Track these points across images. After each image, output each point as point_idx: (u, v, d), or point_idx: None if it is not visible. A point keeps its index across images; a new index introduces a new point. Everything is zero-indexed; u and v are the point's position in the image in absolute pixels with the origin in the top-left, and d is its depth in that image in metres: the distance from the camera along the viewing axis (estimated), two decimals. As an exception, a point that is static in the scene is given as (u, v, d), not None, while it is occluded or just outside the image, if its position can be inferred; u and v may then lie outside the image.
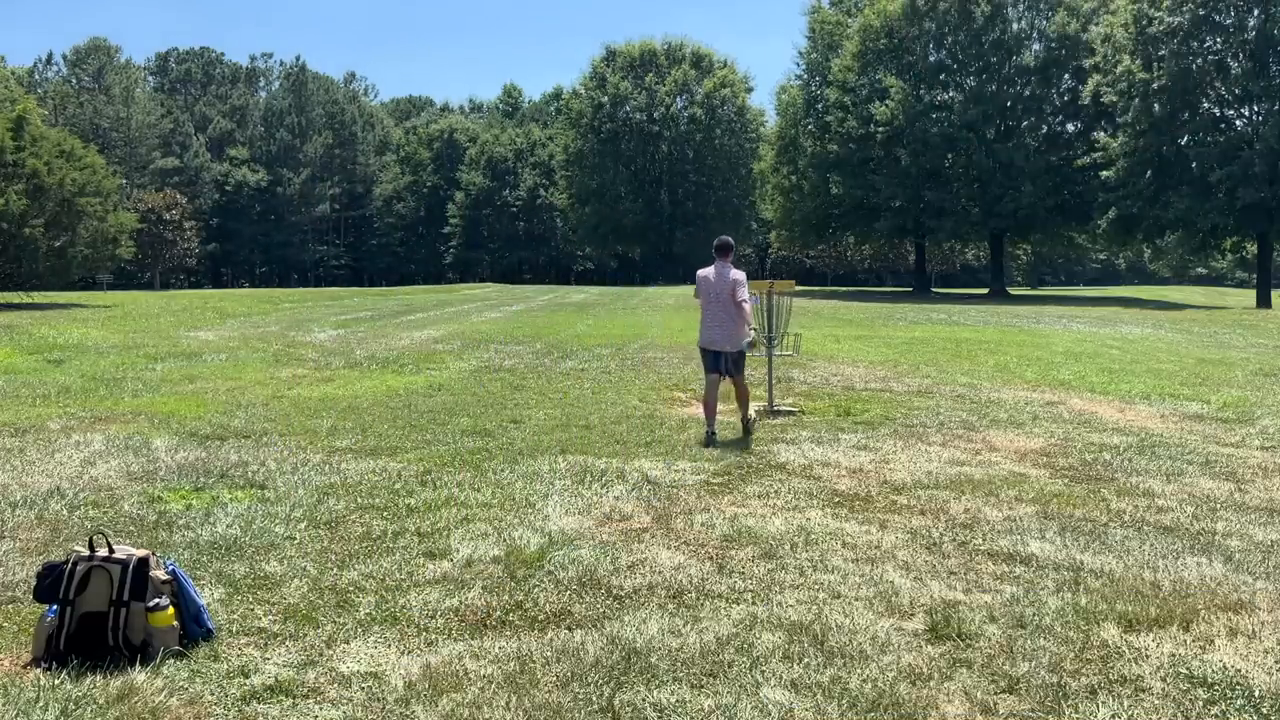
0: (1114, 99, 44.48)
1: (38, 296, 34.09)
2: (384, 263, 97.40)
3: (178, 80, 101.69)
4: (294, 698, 3.75)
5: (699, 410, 10.53)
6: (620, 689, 3.82)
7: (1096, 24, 47.88)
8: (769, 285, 10.75)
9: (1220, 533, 6.05)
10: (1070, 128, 52.52)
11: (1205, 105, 43.25)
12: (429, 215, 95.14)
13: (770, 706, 3.69)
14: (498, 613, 4.60)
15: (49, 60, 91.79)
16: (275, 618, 4.51)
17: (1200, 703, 3.77)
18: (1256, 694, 3.83)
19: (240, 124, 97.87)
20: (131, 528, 5.89)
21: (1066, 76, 51.15)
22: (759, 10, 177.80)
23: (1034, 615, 4.57)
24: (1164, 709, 3.71)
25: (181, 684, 3.83)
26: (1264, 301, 42.16)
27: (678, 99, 75.49)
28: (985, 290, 57.11)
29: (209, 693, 3.78)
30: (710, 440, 8.77)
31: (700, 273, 9.44)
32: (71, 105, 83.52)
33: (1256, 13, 41.18)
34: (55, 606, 4.10)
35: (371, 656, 4.11)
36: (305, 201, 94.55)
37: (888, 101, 50.18)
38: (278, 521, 6.02)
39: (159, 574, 4.22)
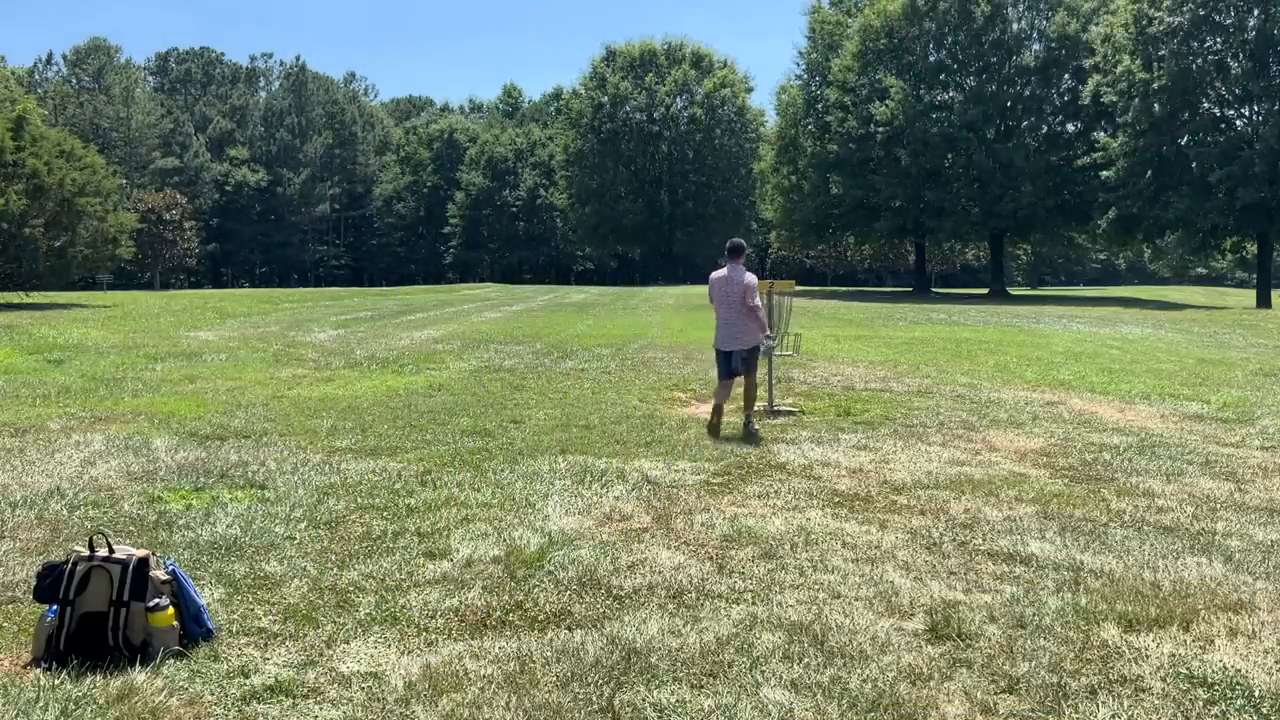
0: (1114, 99, 44.49)
1: (38, 296, 34.11)
2: (384, 263, 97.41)
3: (178, 80, 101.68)
4: (294, 698, 3.75)
5: (699, 410, 10.55)
6: (620, 689, 3.81)
7: (1096, 24, 47.90)
8: (769, 285, 10.80)
9: (1220, 533, 6.05)
10: (1070, 128, 52.53)
11: (1205, 105, 43.24)
12: (429, 215, 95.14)
13: (770, 706, 3.69)
14: (498, 613, 4.59)
15: (49, 60, 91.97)
16: (275, 618, 4.51)
17: (1200, 703, 3.77)
18: (1256, 694, 3.83)
19: (240, 124, 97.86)
20: (131, 528, 5.89)
21: (1066, 76, 51.18)
22: (759, 10, 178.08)
23: (1034, 615, 4.57)
24: (1164, 709, 3.71)
25: (181, 684, 3.83)
26: (1264, 301, 42.16)
27: (678, 99, 75.50)
28: (985, 290, 57.11)
29: (209, 693, 3.77)
30: (713, 430, 8.97)
31: (713, 275, 9.60)
32: (71, 105, 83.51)
33: (1256, 13, 41.17)
34: (55, 606, 4.10)
35: (371, 656, 4.11)
36: (305, 201, 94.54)
37: (888, 101, 50.18)
38: (278, 521, 6.02)
39: (159, 574, 4.22)
